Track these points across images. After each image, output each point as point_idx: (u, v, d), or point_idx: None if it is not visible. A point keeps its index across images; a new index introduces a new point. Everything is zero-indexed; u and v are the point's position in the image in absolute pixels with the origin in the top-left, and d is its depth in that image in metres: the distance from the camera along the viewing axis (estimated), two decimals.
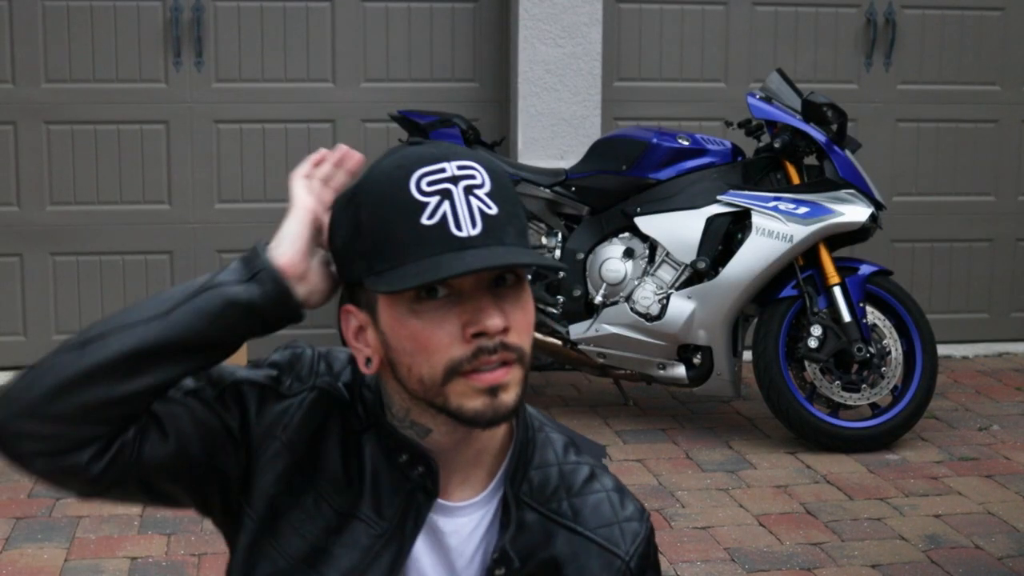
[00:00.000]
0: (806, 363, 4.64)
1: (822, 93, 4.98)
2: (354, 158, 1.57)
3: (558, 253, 4.91)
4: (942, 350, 5.46)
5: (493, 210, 1.39)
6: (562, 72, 5.58)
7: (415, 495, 1.49)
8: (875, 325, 4.68)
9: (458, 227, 1.37)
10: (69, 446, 1.42)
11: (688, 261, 4.70)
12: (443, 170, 1.40)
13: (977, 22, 6.11)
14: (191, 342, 1.41)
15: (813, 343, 4.59)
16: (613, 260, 4.80)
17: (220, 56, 5.59)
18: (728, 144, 4.91)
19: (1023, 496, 4.24)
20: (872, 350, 4.61)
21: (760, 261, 4.60)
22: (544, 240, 5.04)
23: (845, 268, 4.69)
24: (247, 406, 1.50)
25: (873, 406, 4.71)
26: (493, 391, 1.39)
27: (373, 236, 1.40)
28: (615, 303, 4.76)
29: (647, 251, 4.79)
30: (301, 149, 5.68)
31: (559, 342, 4.82)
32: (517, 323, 1.41)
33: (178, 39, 5.53)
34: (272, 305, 1.42)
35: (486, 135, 5.45)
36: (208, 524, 2.17)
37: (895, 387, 4.70)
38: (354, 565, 1.49)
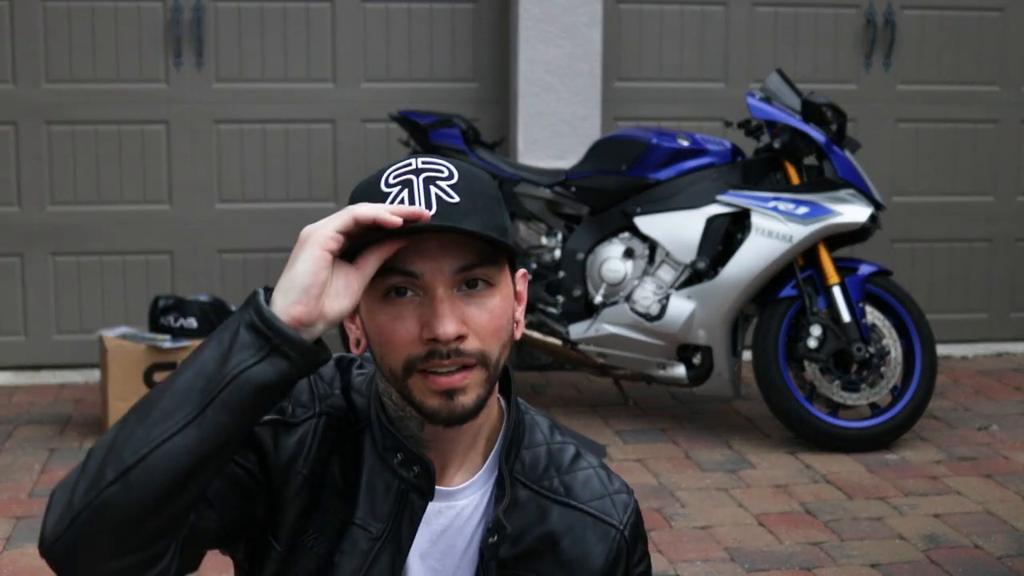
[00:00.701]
0: (806, 363, 4.65)
1: (822, 93, 4.99)
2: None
3: (558, 253, 4.92)
4: (941, 350, 5.47)
5: (454, 199, 1.44)
6: (562, 72, 5.59)
7: (409, 496, 1.53)
8: (874, 325, 4.68)
9: (412, 204, 1.43)
10: (147, 566, 1.38)
11: (688, 261, 4.70)
12: (409, 164, 1.47)
13: (977, 22, 6.11)
14: (232, 439, 1.37)
15: (813, 343, 4.59)
16: (613, 260, 4.80)
17: (220, 56, 5.59)
18: (728, 144, 4.91)
19: (1022, 496, 4.24)
20: (871, 350, 4.62)
21: (760, 261, 4.60)
22: (544, 240, 5.04)
23: (845, 268, 4.70)
24: (263, 447, 1.52)
25: (873, 406, 4.71)
26: (449, 394, 1.44)
27: (363, 242, 1.44)
28: (615, 303, 4.76)
29: (647, 251, 4.79)
30: (301, 149, 5.69)
31: (559, 342, 4.82)
32: (480, 327, 1.45)
33: (178, 39, 5.54)
34: (301, 368, 1.38)
35: (486, 135, 5.46)
36: None
37: (894, 387, 4.71)
38: (355, 570, 1.52)
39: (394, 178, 1.46)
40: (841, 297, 4.62)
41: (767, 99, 4.82)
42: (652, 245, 4.79)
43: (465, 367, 1.44)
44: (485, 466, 1.57)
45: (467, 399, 1.45)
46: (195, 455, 1.33)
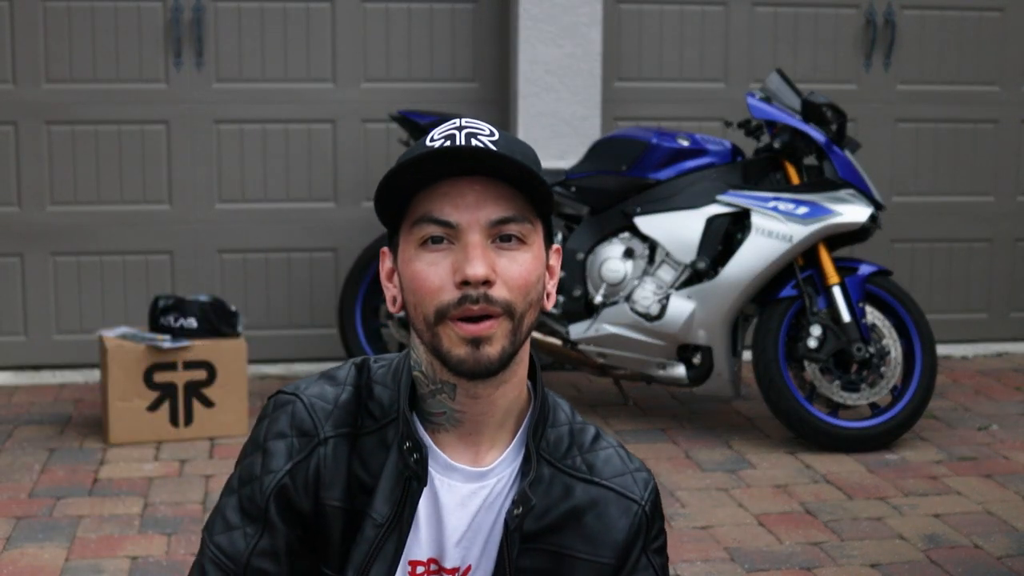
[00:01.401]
0: (806, 363, 4.65)
1: (822, 93, 4.99)
2: None
3: None
4: (941, 350, 5.47)
5: (492, 146, 1.51)
6: (562, 72, 5.59)
7: (410, 483, 1.57)
8: (874, 325, 4.68)
9: (452, 145, 1.51)
10: None
11: (688, 261, 4.70)
12: (454, 123, 1.54)
13: (977, 22, 6.11)
14: None
15: (812, 343, 4.59)
16: (613, 260, 4.80)
17: (220, 56, 5.59)
18: (728, 144, 4.91)
19: (1022, 496, 4.24)
20: (871, 350, 4.62)
21: (760, 261, 4.60)
22: None
23: (844, 268, 4.70)
24: (293, 503, 1.57)
25: (872, 406, 4.71)
26: (476, 342, 1.49)
27: (394, 169, 1.51)
28: (615, 303, 4.76)
29: (647, 251, 4.79)
30: (301, 149, 5.69)
31: (559, 342, 4.82)
32: (509, 277, 1.51)
33: (179, 39, 5.54)
34: None
35: None
36: None
37: (894, 387, 4.71)
38: (363, 559, 1.56)
39: (439, 134, 1.52)
40: (841, 297, 4.62)
41: (767, 99, 4.82)
42: (652, 245, 4.79)
43: (490, 316, 1.49)
44: (513, 443, 1.61)
45: (492, 350, 1.50)
46: None
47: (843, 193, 4.66)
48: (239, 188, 5.67)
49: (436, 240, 1.49)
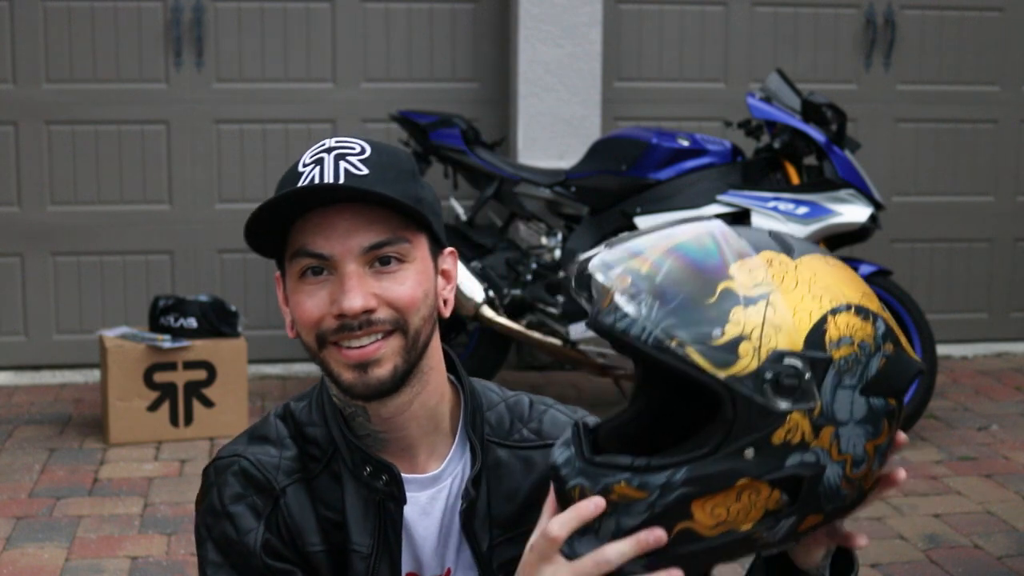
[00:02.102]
0: None
1: (822, 93, 4.99)
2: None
3: (558, 253, 4.92)
4: (941, 350, 5.47)
5: (362, 171, 1.48)
6: (562, 72, 5.59)
7: (386, 506, 1.55)
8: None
9: (322, 180, 1.48)
10: None
11: None
12: (323, 145, 1.52)
13: (977, 22, 6.11)
14: None
15: None
16: None
17: (220, 56, 5.59)
18: (728, 144, 4.91)
19: (1022, 496, 4.24)
20: None
21: None
22: (544, 240, 5.04)
23: None
24: (282, 555, 1.55)
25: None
26: (362, 366, 1.48)
27: (256, 211, 1.50)
28: None
29: None
30: (301, 149, 5.67)
31: (559, 342, 4.82)
32: (392, 299, 1.48)
33: (179, 39, 5.54)
34: None
35: (486, 135, 5.45)
36: None
37: None
38: None
39: (310, 158, 1.51)
40: None
41: (767, 99, 4.82)
42: None
43: (380, 336, 1.48)
44: (457, 440, 1.60)
45: (382, 371, 1.49)
46: None
47: (843, 193, 4.66)
48: (239, 188, 5.66)
49: (315, 271, 1.49)
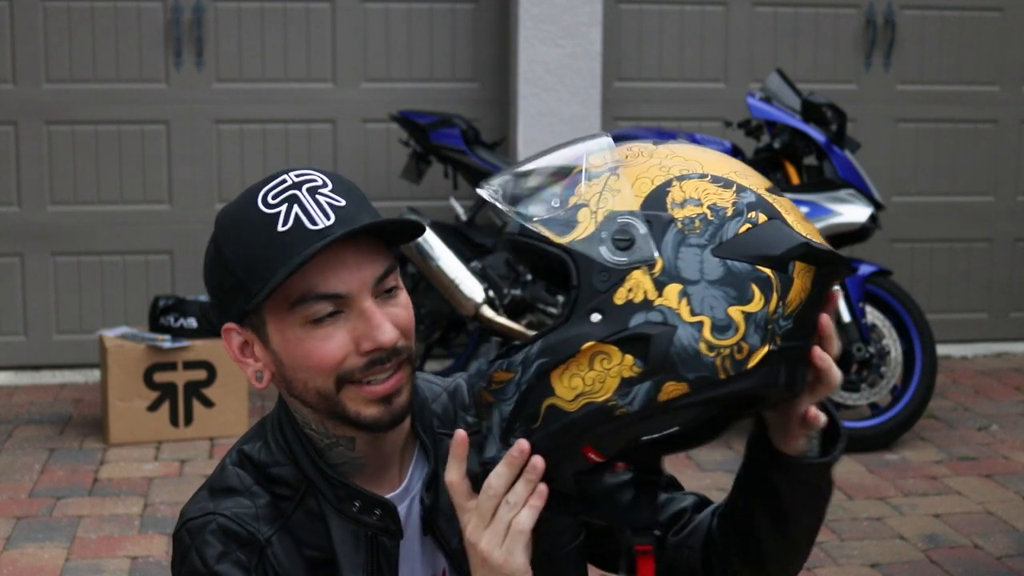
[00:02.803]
0: None
1: (822, 93, 4.99)
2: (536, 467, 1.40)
3: None
4: (941, 350, 5.46)
5: (341, 202, 1.45)
6: (562, 72, 5.59)
7: (379, 540, 1.52)
8: (874, 325, 4.68)
9: (313, 222, 1.43)
10: None
11: None
12: (284, 181, 1.46)
13: (977, 22, 6.11)
14: None
15: None
16: None
17: (220, 56, 5.59)
18: (728, 144, 4.91)
19: (1022, 496, 4.24)
20: (871, 350, 4.62)
21: None
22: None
23: None
24: None
25: (873, 406, 4.71)
26: (387, 399, 1.46)
27: (241, 264, 1.44)
28: None
29: None
30: (301, 149, 5.69)
31: None
32: (404, 327, 1.47)
33: (179, 39, 5.54)
34: None
35: (486, 135, 5.46)
36: None
37: (894, 387, 4.71)
38: None
39: (273, 197, 1.45)
40: (841, 297, 4.62)
41: (767, 99, 4.82)
42: None
43: (399, 367, 1.46)
44: (416, 448, 1.59)
45: (402, 399, 1.48)
46: None
47: (843, 193, 4.66)
48: (239, 188, 5.63)
49: (320, 320, 1.43)
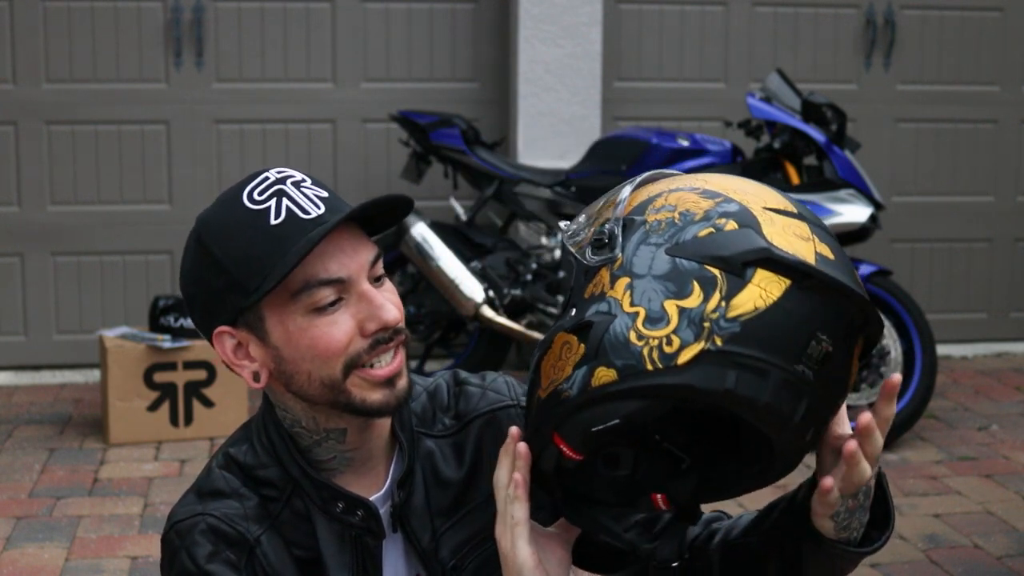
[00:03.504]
0: None
1: (822, 93, 4.99)
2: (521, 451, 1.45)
3: (558, 253, 4.92)
4: (941, 350, 5.47)
5: (325, 194, 1.47)
6: (562, 72, 5.59)
7: (363, 540, 1.53)
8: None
9: (305, 212, 1.45)
10: None
11: None
12: (266, 178, 1.48)
13: (977, 22, 6.11)
14: None
15: None
16: None
17: (220, 56, 5.59)
18: (728, 144, 4.91)
19: (1022, 496, 4.24)
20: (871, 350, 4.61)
21: None
22: (544, 240, 5.04)
23: None
24: None
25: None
26: (390, 382, 1.48)
27: (234, 262, 1.44)
28: None
29: None
30: (301, 149, 5.69)
31: None
32: (399, 307, 1.50)
33: (179, 39, 5.54)
34: None
35: (486, 135, 5.46)
36: None
37: None
38: None
39: (259, 193, 1.46)
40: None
41: (767, 99, 4.82)
42: None
43: (399, 346, 1.49)
44: (397, 447, 1.60)
45: (404, 381, 1.50)
46: None
47: (843, 193, 4.66)
48: None
49: (326, 306, 1.45)
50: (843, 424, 1.39)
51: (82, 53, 5.51)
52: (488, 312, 4.79)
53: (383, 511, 1.55)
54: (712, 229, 1.32)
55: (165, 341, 4.68)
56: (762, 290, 1.30)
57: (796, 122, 4.72)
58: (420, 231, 4.87)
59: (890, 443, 4.68)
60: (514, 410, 1.63)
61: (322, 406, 1.49)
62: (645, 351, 1.30)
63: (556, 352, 1.37)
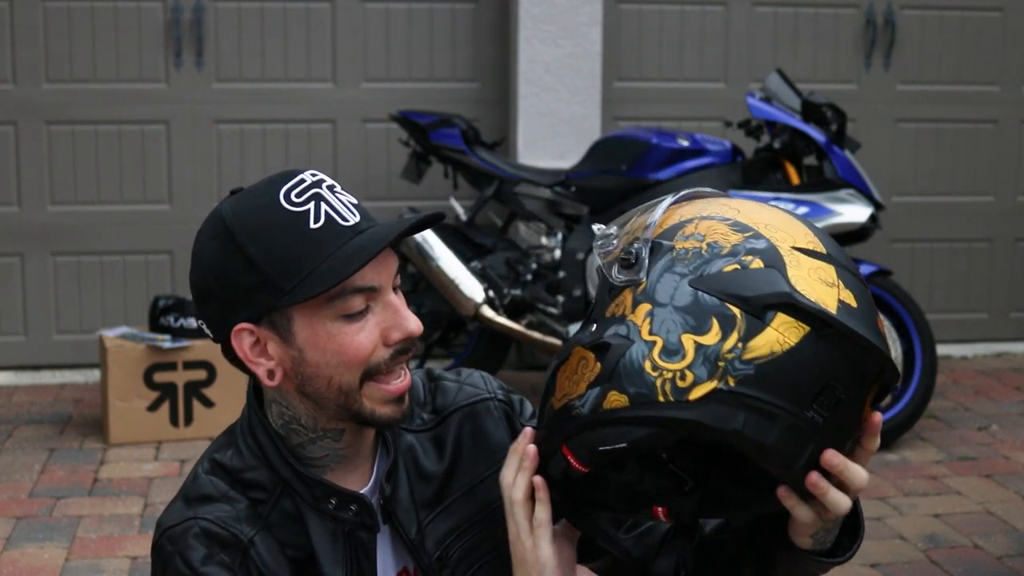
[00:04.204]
0: None
1: (822, 93, 4.99)
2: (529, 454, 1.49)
3: (558, 253, 4.92)
4: (941, 350, 5.47)
5: (354, 200, 1.50)
6: (562, 72, 5.59)
7: (356, 535, 1.54)
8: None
9: (344, 219, 1.46)
10: None
11: None
12: (303, 180, 1.49)
13: (977, 22, 6.11)
14: None
15: None
16: None
17: (220, 56, 5.59)
18: (728, 144, 4.91)
19: (1022, 496, 4.24)
20: None
21: None
22: (544, 240, 5.04)
23: None
24: None
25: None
26: (400, 399, 1.50)
27: (270, 261, 1.44)
28: None
29: None
30: (301, 149, 5.69)
31: (559, 342, 4.82)
32: (416, 318, 1.52)
33: (179, 39, 5.54)
34: None
35: (486, 135, 5.46)
36: None
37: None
38: None
39: (297, 196, 1.47)
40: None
41: (767, 99, 4.82)
42: None
43: (406, 364, 1.51)
44: (380, 443, 1.61)
45: (407, 397, 1.53)
46: None
47: (843, 193, 4.66)
48: None
49: (362, 311, 1.47)
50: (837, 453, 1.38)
51: (82, 53, 5.51)
52: (488, 312, 4.79)
53: (373, 501, 1.56)
54: (738, 265, 1.33)
55: (165, 341, 4.68)
56: (780, 335, 1.31)
57: (796, 122, 4.72)
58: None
59: (890, 443, 4.68)
60: (492, 403, 1.66)
61: (329, 409, 1.50)
62: (658, 382, 1.31)
63: (573, 365, 1.38)
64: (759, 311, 1.31)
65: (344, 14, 5.67)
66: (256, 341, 1.49)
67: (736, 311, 1.31)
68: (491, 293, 4.83)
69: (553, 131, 5.58)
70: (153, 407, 4.67)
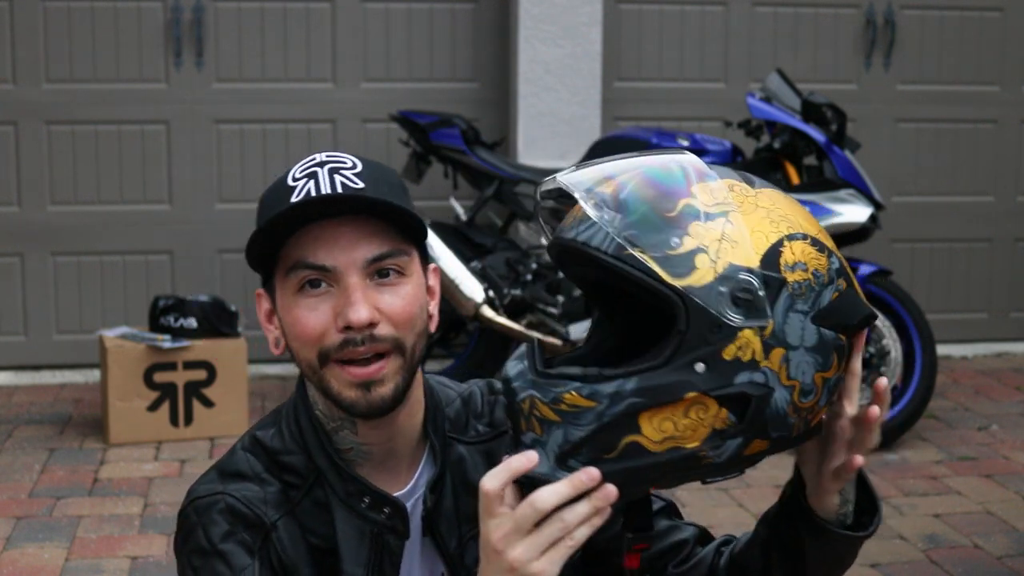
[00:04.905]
0: None
1: (822, 93, 4.99)
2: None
3: None
4: (941, 350, 5.46)
5: (358, 184, 1.47)
6: (562, 72, 5.59)
7: (384, 538, 1.52)
8: (874, 325, 4.68)
9: (319, 190, 1.46)
10: None
11: None
12: (313, 159, 1.50)
13: (977, 22, 6.11)
14: None
15: None
16: None
17: (220, 56, 5.59)
18: (728, 144, 4.91)
19: (1022, 496, 4.24)
20: (871, 350, 4.62)
21: None
22: (544, 240, 5.03)
23: None
24: None
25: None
26: (366, 385, 1.46)
27: (262, 227, 1.48)
28: None
29: None
30: (301, 149, 5.69)
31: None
32: (393, 313, 1.47)
33: (179, 39, 5.54)
34: None
35: (486, 135, 5.45)
36: None
37: (894, 387, 4.71)
38: None
39: (300, 172, 1.49)
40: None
41: (767, 99, 4.82)
42: None
43: (380, 355, 1.46)
44: (426, 447, 1.59)
45: (385, 390, 1.47)
46: None
47: (843, 193, 4.66)
48: (239, 188, 5.66)
49: (314, 284, 1.46)
50: (853, 403, 1.44)
51: (82, 53, 5.51)
52: (488, 312, 4.79)
53: (408, 509, 1.54)
54: (837, 292, 1.37)
55: (165, 341, 4.68)
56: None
57: (796, 122, 4.72)
58: None
59: (890, 443, 4.68)
60: None
61: (319, 390, 1.51)
62: (797, 422, 1.36)
63: (681, 410, 1.31)
64: (856, 334, 1.40)
65: (344, 14, 5.67)
66: (270, 310, 1.54)
67: (844, 339, 1.38)
68: (491, 293, 4.83)
69: (553, 131, 5.58)
70: (153, 407, 4.67)
